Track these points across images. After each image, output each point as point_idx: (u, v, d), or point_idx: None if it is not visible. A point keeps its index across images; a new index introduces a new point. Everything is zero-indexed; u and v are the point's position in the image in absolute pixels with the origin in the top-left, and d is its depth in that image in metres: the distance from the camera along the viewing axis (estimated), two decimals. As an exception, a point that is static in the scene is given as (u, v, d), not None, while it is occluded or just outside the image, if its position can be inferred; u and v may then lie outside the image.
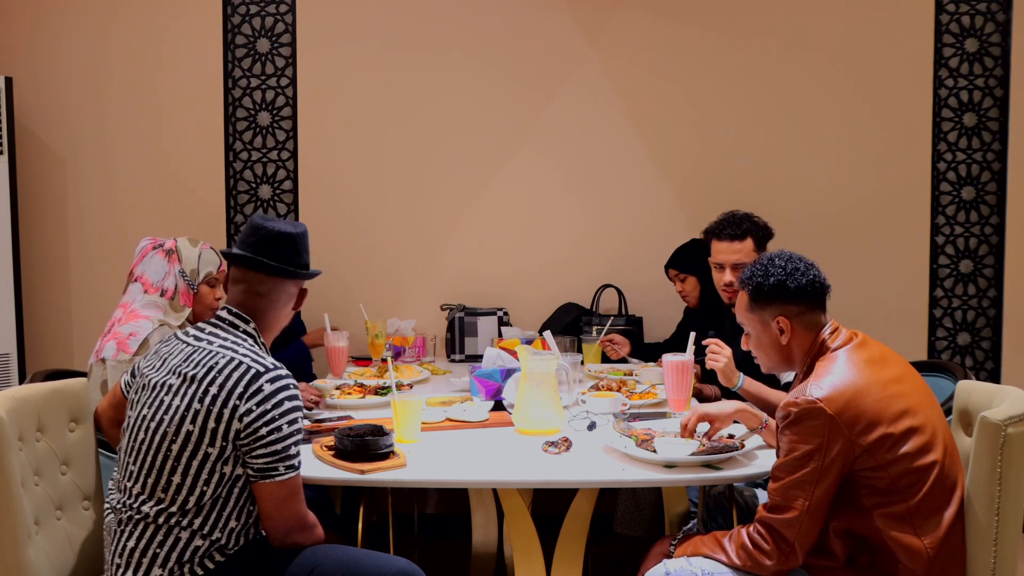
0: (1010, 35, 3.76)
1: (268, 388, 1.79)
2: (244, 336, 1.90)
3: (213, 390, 1.78)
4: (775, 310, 1.96)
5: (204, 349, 1.85)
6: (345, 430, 2.07)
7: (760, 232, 2.89)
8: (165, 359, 1.90)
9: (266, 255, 1.92)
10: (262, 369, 1.80)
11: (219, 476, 1.79)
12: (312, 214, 3.92)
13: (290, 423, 1.80)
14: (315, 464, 2.04)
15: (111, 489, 1.93)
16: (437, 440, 2.25)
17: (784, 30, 3.82)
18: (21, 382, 3.31)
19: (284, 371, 1.83)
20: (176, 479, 1.78)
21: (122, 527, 1.84)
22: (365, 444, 2.00)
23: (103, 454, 2.23)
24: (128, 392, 1.98)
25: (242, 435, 1.77)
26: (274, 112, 3.90)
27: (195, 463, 1.78)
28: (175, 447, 1.78)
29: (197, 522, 1.80)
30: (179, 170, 3.91)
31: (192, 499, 1.79)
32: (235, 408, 1.77)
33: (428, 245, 3.93)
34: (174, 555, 1.79)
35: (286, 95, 3.90)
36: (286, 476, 1.80)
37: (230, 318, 1.92)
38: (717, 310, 3.21)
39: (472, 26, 3.86)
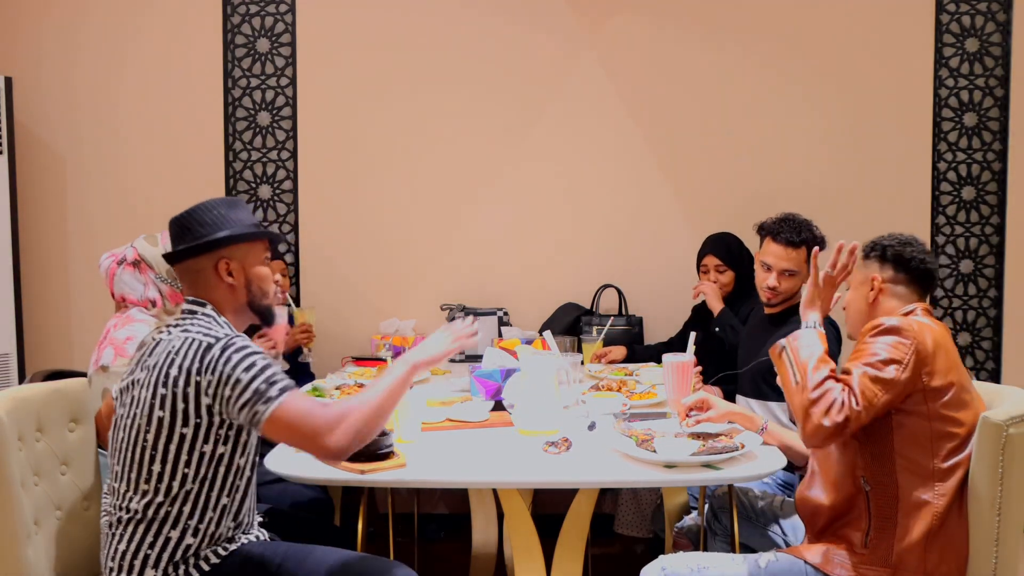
0: (1010, 35, 3.76)
1: (218, 355, 1.77)
2: (204, 318, 1.91)
3: (173, 372, 1.78)
4: (871, 268, 2.11)
5: (166, 340, 1.86)
6: (345, 430, 2.06)
7: (816, 244, 2.82)
8: (139, 360, 1.92)
9: (173, 246, 1.97)
10: (213, 340, 1.80)
11: (199, 456, 1.79)
12: (312, 214, 3.92)
13: (246, 369, 1.76)
14: (315, 464, 2.04)
15: (106, 494, 1.93)
16: (437, 440, 2.25)
17: (785, 30, 3.82)
18: (21, 382, 3.31)
19: (237, 336, 1.83)
20: (156, 467, 1.78)
21: (112, 530, 1.84)
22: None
23: (103, 454, 2.22)
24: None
25: (214, 405, 1.77)
26: (274, 112, 3.90)
27: (172, 447, 1.78)
28: (150, 436, 1.78)
29: (186, 510, 1.80)
30: (179, 170, 3.91)
31: (175, 484, 1.79)
32: (197, 384, 1.77)
33: (428, 245, 3.92)
34: (165, 555, 1.79)
35: (286, 95, 3.90)
36: (269, 409, 1.75)
37: (189, 307, 1.94)
38: (743, 307, 3.22)
39: (472, 26, 3.86)
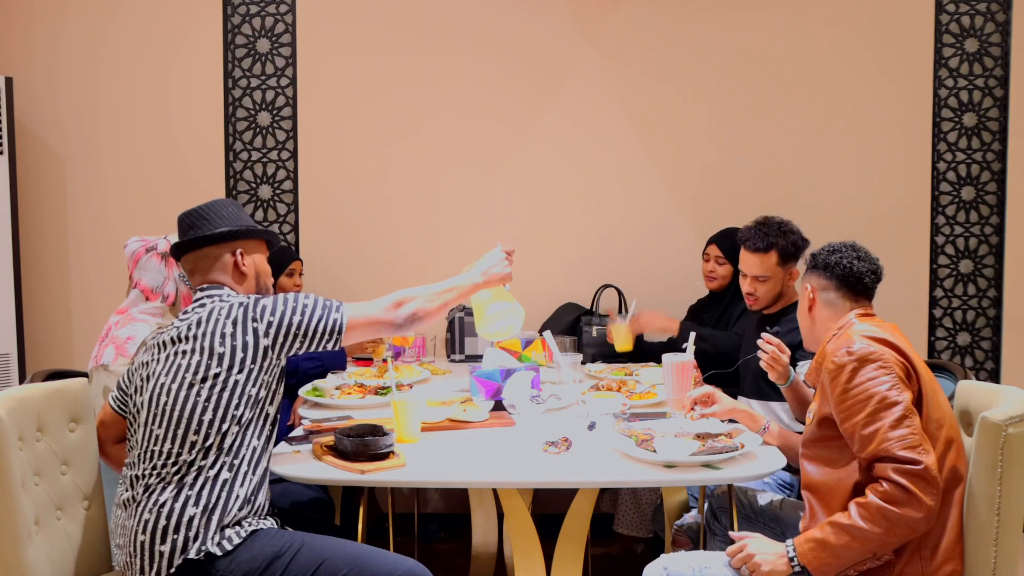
0: (1010, 35, 3.76)
1: (269, 302, 1.94)
2: (228, 296, 2.03)
3: (228, 329, 1.90)
4: (807, 278, 2.13)
5: (194, 315, 1.96)
6: (345, 430, 2.07)
7: (789, 247, 2.80)
8: (160, 344, 1.97)
9: (192, 234, 2.08)
10: (256, 297, 1.97)
11: (246, 398, 1.90)
12: (312, 214, 3.92)
13: (303, 299, 1.95)
14: (315, 464, 2.04)
15: (121, 482, 1.96)
16: (437, 440, 2.25)
17: (784, 31, 3.82)
18: (21, 382, 3.31)
19: None
20: (207, 416, 1.87)
21: (149, 491, 1.87)
22: (365, 444, 2.01)
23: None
24: (126, 403, 2.05)
25: (278, 342, 1.92)
26: (274, 112, 3.90)
27: (225, 394, 1.89)
28: (204, 391, 1.88)
29: (227, 460, 1.87)
30: (179, 170, 3.91)
31: (225, 425, 1.88)
32: (255, 331, 1.91)
33: (428, 245, 3.93)
34: (202, 500, 1.84)
35: (286, 95, 3.90)
36: (344, 313, 1.96)
37: (207, 293, 2.03)
38: (738, 304, 3.22)
39: (473, 27, 3.86)
